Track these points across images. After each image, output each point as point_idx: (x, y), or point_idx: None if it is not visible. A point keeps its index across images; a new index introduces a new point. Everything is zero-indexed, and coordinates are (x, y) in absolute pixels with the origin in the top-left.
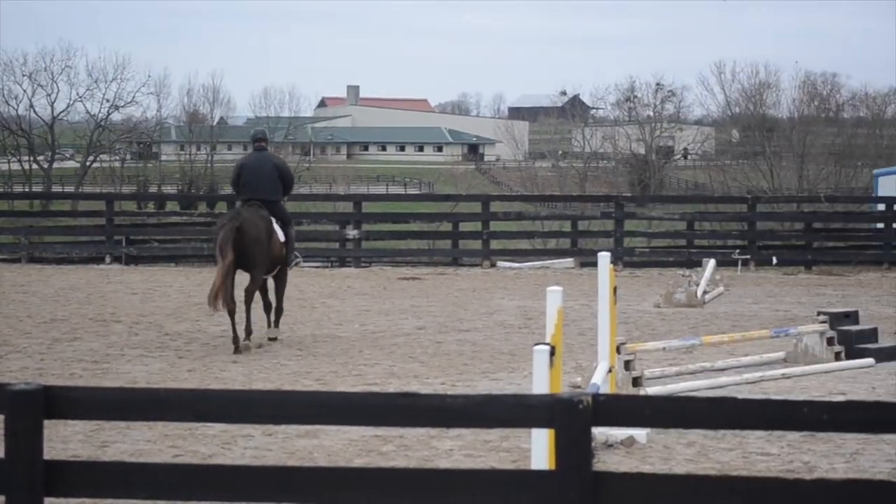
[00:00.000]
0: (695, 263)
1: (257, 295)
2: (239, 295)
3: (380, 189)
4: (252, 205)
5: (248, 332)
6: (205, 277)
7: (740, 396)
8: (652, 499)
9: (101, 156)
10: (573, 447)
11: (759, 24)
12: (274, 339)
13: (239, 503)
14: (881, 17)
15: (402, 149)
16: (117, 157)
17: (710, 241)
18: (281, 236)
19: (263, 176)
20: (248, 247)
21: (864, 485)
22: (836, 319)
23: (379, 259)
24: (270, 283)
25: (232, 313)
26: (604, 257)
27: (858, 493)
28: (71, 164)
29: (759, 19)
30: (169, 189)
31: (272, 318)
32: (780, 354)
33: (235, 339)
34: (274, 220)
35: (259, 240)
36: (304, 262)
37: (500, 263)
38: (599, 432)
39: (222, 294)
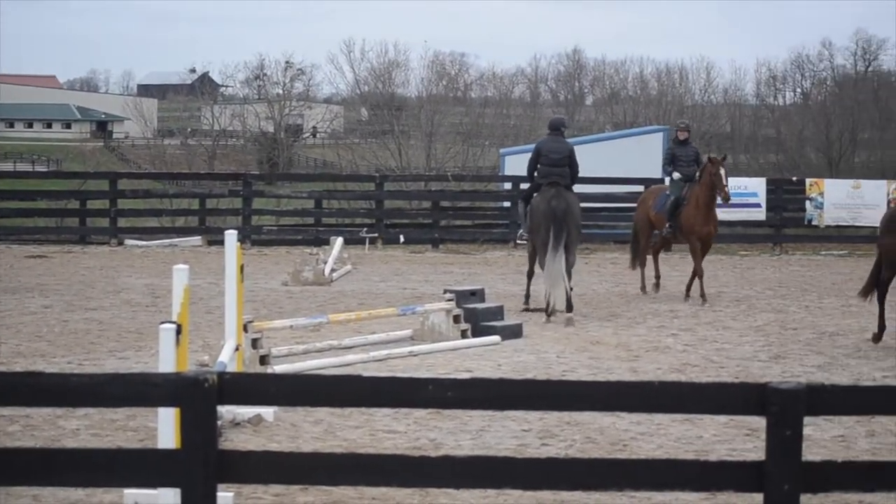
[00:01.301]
0: (323, 241)
1: None
2: None
3: (7, 166)
4: None
5: None
6: None
7: (367, 374)
8: (278, 476)
9: None
10: (198, 426)
11: (388, 2)
12: None
13: None
14: None
15: (30, 125)
16: None
17: (338, 219)
18: None
19: None
20: None
21: (489, 461)
22: (462, 297)
23: (6, 237)
24: None
25: None
26: (231, 235)
27: (483, 469)
28: None
29: None
30: None
31: None
32: (408, 332)
33: None
34: None
35: None
36: None
37: (128, 241)
38: (227, 411)
39: None
